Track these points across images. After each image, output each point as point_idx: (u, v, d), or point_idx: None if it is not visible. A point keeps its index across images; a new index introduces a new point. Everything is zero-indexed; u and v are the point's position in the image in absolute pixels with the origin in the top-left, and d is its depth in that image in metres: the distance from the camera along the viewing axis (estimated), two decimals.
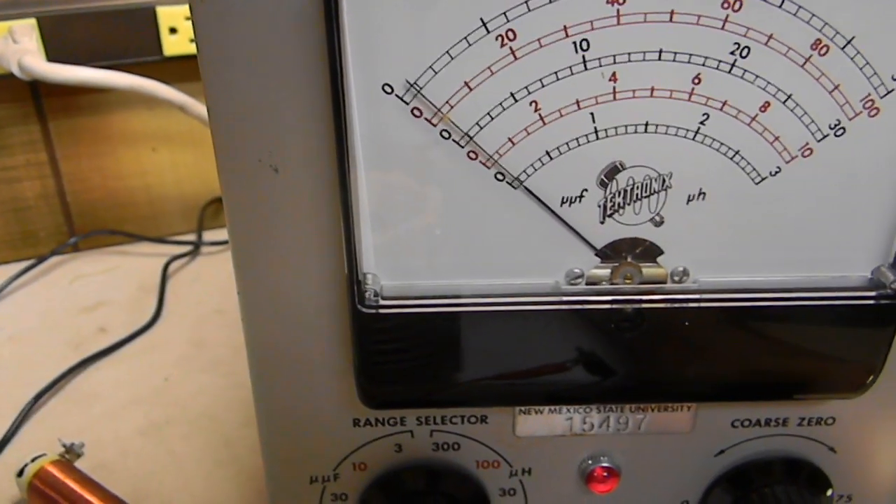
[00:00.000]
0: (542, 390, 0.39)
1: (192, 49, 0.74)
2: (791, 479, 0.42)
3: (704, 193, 0.35)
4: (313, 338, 0.37)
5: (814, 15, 0.31)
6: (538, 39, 0.31)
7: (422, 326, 0.36)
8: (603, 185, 0.34)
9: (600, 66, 0.32)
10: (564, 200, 0.34)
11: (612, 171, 0.34)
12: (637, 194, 0.34)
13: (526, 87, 0.32)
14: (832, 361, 0.38)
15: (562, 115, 0.33)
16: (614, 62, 0.32)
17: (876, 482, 0.43)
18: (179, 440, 0.59)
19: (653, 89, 0.32)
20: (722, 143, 0.34)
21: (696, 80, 0.32)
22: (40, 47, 0.73)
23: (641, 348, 0.37)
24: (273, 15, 0.30)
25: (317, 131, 0.32)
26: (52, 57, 0.73)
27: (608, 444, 0.41)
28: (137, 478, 0.56)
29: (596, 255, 0.36)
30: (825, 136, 0.34)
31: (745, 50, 0.32)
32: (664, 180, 0.34)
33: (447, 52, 0.31)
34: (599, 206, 0.35)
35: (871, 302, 0.36)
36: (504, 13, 0.30)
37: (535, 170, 0.34)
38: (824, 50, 0.32)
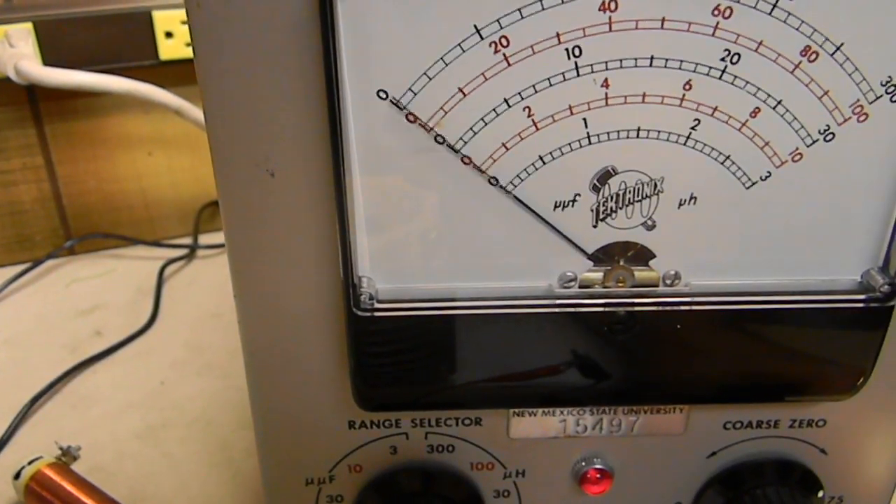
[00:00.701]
0: (536, 392, 0.39)
1: (187, 53, 0.75)
2: (782, 480, 0.42)
3: (696, 198, 0.35)
4: (309, 341, 0.37)
5: (803, 22, 0.31)
6: (531, 46, 0.31)
7: (417, 329, 0.36)
8: (595, 189, 0.35)
9: (592, 72, 0.32)
10: (558, 205, 0.35)
11: (605, 176, 0.34)
12: (629, 199, 0.35)
13: (519, 93, 0.32)
14: (823, 364, 0.39)
15: (555, 121, 0.33)
16: (606, 68, 0.32)
17: (867, 483, 0.43)
18: (176, 443, 0.59)
19: (644, 95, 0.33)
20: (713, 149, 0.34)
21: (687, 86, 0.33)
22: (36, 51, 0.73)
23: (634, 351, 0.37)
24: (269, 21, 0.31)
25: (312, 136, 0.32)
26: (48, 61, 0.73)
27: (601, 446, 0.42)
28: (134, 480, 0.56)
29: (589, 258, 0.36)
30: (815, 142, 0.34)
31: (736, 56, 0.32)
32: (656, 185, 0.35)
33: (441, 58, 0.31)
34: (592, 211, 0.35)
35: (861, 305, 0.37)
36: (497, 20, 0.31)
37: (529, 174, 0.34)
38: (814, 56, 0.32)
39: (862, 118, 0.34)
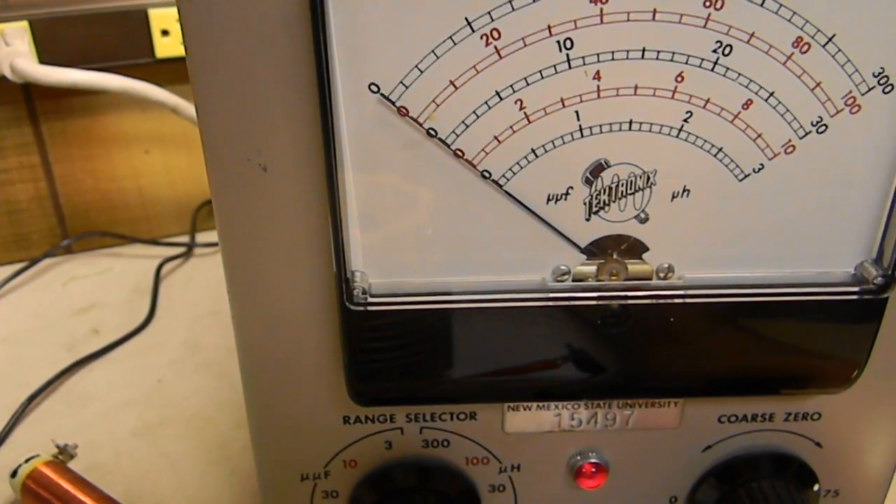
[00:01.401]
0: (531, 386, 0.39)
1: (183, 51, 0.75)
2: (778, 474, 0.42)
3: (688, 190, 0.35)
4: (303, 336, 0.37)
5: (795, 13, 0.31)
6: (523, 38, 0.31)
7: (410, 324, 0.36)
8: (588, 182, 0.35)
9: (584, 64, 0.32)
10: (550, 198, 0.35)
11: (598, 169, 0.34)
12: (622, 191, 0.35)
13: (511, 86, 0.32)
14: (817, 357, 0.39)
15: (547, 114, 0.33)
16: (598, 61, 0.32)
17: (862, 476, 0.43)
18: (173, 441, 0.59)
19: (636, 87, 0.33)
20: (705, 141, 0.34)
21: (679, 79, 0.33)
22: (32, 50, 0.73)
23: (628, 344, 0.37)
24: (260, 15, 0.31)
25: (304, 130, 0.32)
26: (44, 59, 0.73)
27: (596, 440, 0.42)
28: (131, 478, 0.56)
29: (582, 252, 0.36)
30: (807, 133, 0.34)
31: (728, 48, 0.32)
32: (648, 178, 0.35)
33: (432, 51, 0.31)
34: (585, 204, 0.35)
35: (855, 297, 0.37)
36: (489, 13, 0.31)
37: (521, 168, 0.34)
38: (806, 48, 0.32)
39: (854, 110, 0.34)
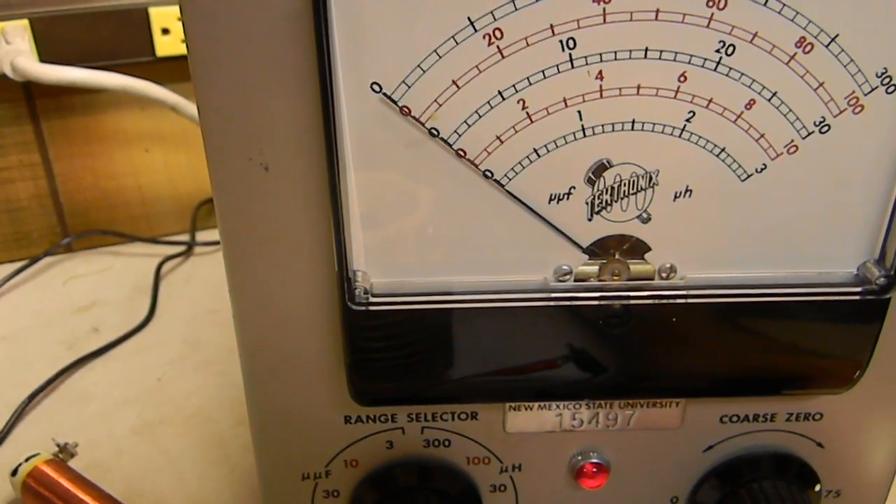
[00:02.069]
0: (532, 386, 0.39)
1: (184, 50, 0.74)
2: (779, 474, 0.42)
3: (691, 190, 0.35)
4: (304, 335, 0.37)
5: (798, 13, 0.31)
6: (525, 38, 0.31)
7: (412, 323, 0.36)
8: (590, 182, 0.34)
9: (587, 64, 0.32)
10: (553, 198, 0.35)
11: (600, 169, 0.34)
12: (624, 191, 0.35)
13: (513, 86, 0.32)
14: (819, 357, 0.38)
15: (549, 113, 0.33)
16: (601, 60, 0.32)
17: (864, 477, 0.43)
18: (173, 439, 0.59)
19: (639, 87, 0.33)
20: (708, 141, 0.34)
21: (682, 78, 0.32)
22: (33, 48, 0.73)
23: (630, 344, 0.37)
24: (262, 13, 0.30)
25: (306, 130, 0.32)
26: (44, 58, 0.73)
27: (597, 440, 0.41)
28: (131, 477, 0.56)
29: (584, 252, 0.36)
30: (810, 134, 0.34)
31: (731, 48, 0.32)
32: (651, 178, 0.35)
33: (435, 50, 0.31)
34: (587, 204, 0.35)
35: (857, 298, 0.37)
36: (491, 12, 0.31)
37: (523, 167, 0.34)
38: (809, 47, 0.32)
39: (857, 110, 0.34)
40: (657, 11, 0.31)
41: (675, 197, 0.35)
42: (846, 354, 0.38)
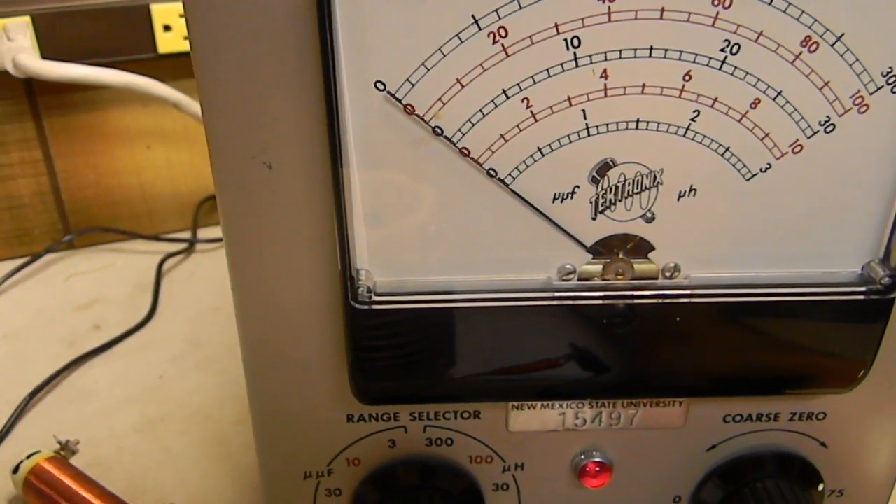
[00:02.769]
0: (535, 386, 0.39)
1: (186, 46, 0.74)
2: (782, 473, 0.42)
3: (695, 190, 0.35)
4: (307, 334, 0.37)
5: (803, 12, 0.31)
6: (530, 37, 0.31)
7: (415, 322, 0.36)
8: (594, 181, 0.34)
9: (591, 63, 0.32)
10: (556, 197, 0.35)
11: (604, 168, 0.34)
12: (628, 191, 0.35)
13: (518, 84, 0.32)
14: (823, 357, 0.38)
15: (553, 112, 0.33)
16: (605, 59, 0.32)
17: (867, 477, 0.43)
18: (174, 437, 0.59)
19: (644, 86, 0.32)
20: (712, 140, 0.34)
21: (687, 77, 0.32)
22: (35, 45, 0.73)
23: (633, 344, 0.37)
24: (266, 11, 0.30)
25: (309, 128, 0.32)
26: (46, 54, 0.73)
27: (600, 440, 0.41)
28: (132, 474, 0.56)
29: (588, 251, 0.36)
30: (815, 133, 0.34)
31: (735, 47, 0.32)
32: (655, 177, 0.34)
33: (439, 49, 0.31)
34: (591, 203, 0.35)
35: (862, 297, 0.37)
36: (496, 10, 0.31)
37: (527, 166, 0.34)
38: (814, 46, 0.32)
39: (863, 109, 0.33)
40: (662, 10, 0.31)
41: (680, 196, 0.35)
42: (850, 354, 0.38)
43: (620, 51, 0.32)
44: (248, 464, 0.56)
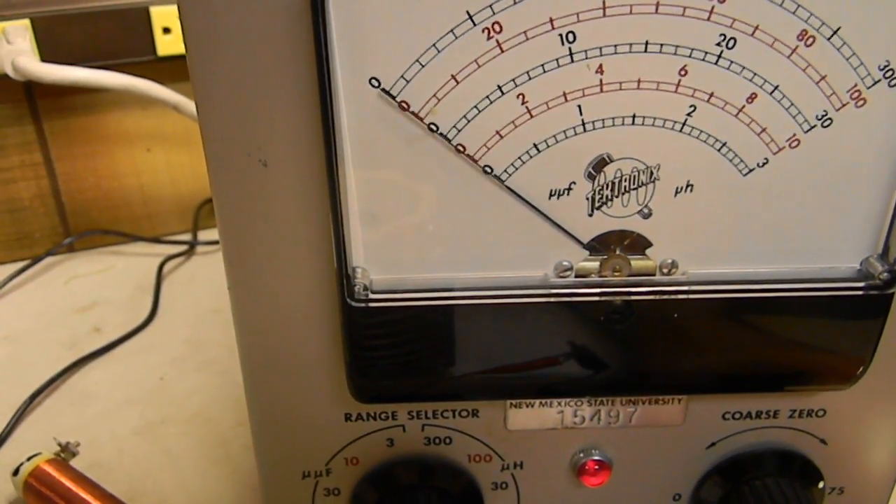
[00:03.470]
0: (533, 383, 0.39)
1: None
2: (782, 471, 0.42)
3: (692, 185, 0.35)
4: (304, 332, 0.37)
5: (799, 5, 0.31)
6: (524, 32, 0.31)
7: (412, 320, 0.36)
8: (591, 177, 0.34)
9: (587, 58, 0.32)
10: (553, 193, 0.35)
11: (600, 164, 0.34)
12: (625, 186, 0.34)
13: (513, 80, 0.32)
14: (822, 353, 0.38)
15: (549, 108, 0.33)
16: (601, 54, 0.32)
17: (867, 474, 0.43)
18: (175, 439, 0.59)
19: (639, 81, 0.32)
20: (709, 135, 0.34)
21: (683, 72, 0.32)
22: (34, 48, 0.73)
23: (631, 341, 0.37)
24: (260, 8, 0.30)
25: (304, 125, 0.32)
26: (45, 57, 0.73)
27: (599, 438, 0.41)
28: (133, 477, 0.56)
29: (584, 248, 0.36)
30: (812, 127, 0.34)
31: (732, 41, 0.32)
32: (652, 172, 0.34)
33: (434, 45, 0.31)
34: (588, 199, 0.35)
35: (860, 293, 0.36)
36: (490, 6, 0.30)
37: (523, 162, 0.34)
38: (810, 41, 0.32)
39: (860, 103, 0.33)
40: (657, 4, 0.31)
41: (677, 192, 0.35)
42: (849, 350, 0.38)
43: (616, 45, 0.32)
44: (248, 466, 0.56)
